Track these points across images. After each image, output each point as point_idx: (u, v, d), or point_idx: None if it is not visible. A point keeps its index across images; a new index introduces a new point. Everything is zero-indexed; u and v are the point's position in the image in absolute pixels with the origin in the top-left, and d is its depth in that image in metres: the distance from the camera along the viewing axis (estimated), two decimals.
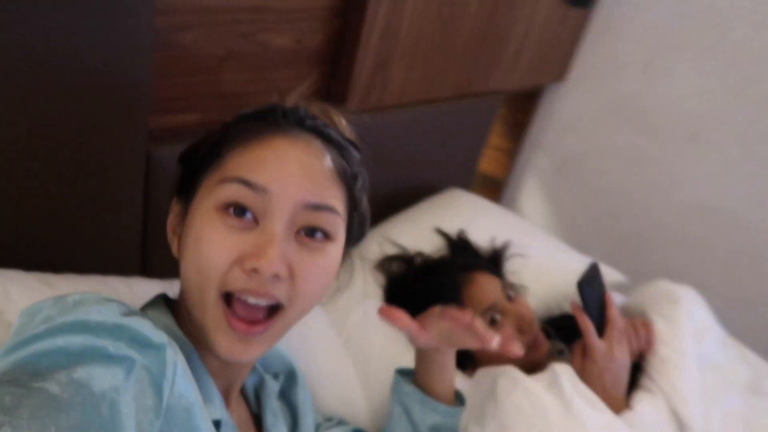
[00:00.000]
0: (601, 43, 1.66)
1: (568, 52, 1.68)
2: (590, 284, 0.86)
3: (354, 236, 0.63)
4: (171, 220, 0.63)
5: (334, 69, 1.07)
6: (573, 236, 1.59)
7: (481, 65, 1.36)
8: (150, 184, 0.85)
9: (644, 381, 0.88)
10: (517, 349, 0.66)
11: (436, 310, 0.71)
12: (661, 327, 0.91)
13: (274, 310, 0.55)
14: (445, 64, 1.26)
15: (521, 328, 0.92)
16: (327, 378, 0.84)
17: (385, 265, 1.05)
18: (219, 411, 0.55)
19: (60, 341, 0.44)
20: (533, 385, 0.75)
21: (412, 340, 0.72)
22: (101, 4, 0.68)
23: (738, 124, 1.50)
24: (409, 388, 0.74)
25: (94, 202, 0.80)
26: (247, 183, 0.53)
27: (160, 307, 0.61)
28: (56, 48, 0.68)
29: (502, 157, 1.87)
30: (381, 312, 0.71)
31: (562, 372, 0.76)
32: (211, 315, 0.53)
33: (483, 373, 0.83)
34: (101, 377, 0.42)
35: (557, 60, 1.66)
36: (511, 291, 0.97)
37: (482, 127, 1.50)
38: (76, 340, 0.44)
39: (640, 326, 0.91)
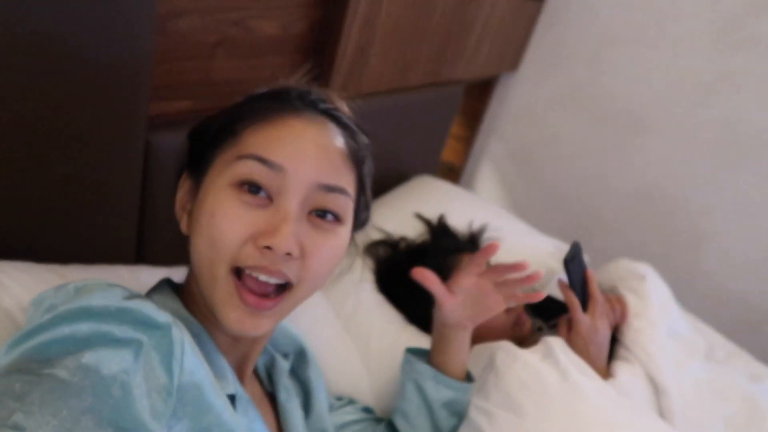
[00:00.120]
0: (551, 35, 1.73)
1: (521, 43, 1.75)
2: (573, 262, 0.92)
3: (359, 221, 0.65)
4: (180, 195, 0.63)
5: (316, 56, 1.08)
6: (527, 220, 1.67)
7: (448, 54, 1.40)
8: (148, 171, 0.83)
9: (621, 351, 0.95)
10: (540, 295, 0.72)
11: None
12: (632, 301, 0.99)
13: (283, 287, 0.55)
14: (417, 53, 1.29)
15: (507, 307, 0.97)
16: (330, 358, 0.86)
17: (371, 250, 1.07)
18: (232, 386, 0.56)
19: (66, 329, 0.44)
20: (530, 357, 0.80)
21: (440, 304, 0.75)
22: None
23: (678, 112, 1.61)
24: (422, 366, 0.78)
25: (92, 188, 0.78)
26: (263, 160, 0.53)
27: (165, 290, 0.62)
28: (57, 32, 0.66)
29: (458, 144, 1.93)
30: (414, 273, 0.73)
31: (556, 344, 0.82)
32: (222, 289, 0.53)
33: (480, 349, 0.87)
34: (110, 360, 0.43)
35: (511, 50, 1.73)
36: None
37: (447, 115, 1.54)
38: (82, 327, 0.44)
39: (615, 301, 0.99)
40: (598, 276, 1.15)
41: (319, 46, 1.07)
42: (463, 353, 0.77)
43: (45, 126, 0.69)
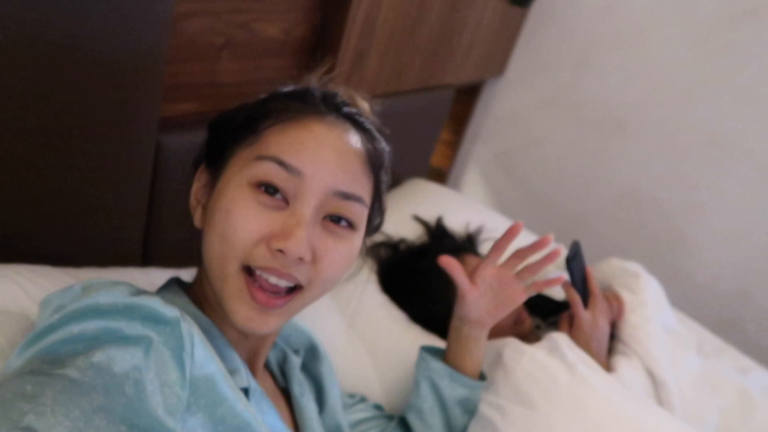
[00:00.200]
0: (536, 41, 1.78)
1: (507, 48, 1.79)
2: (575, 261, 0.94)
3: (372, 226, 0.65)
4: (195, 188, 0.63)
5: (316, 60, 1.09)
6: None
7: (440, 59, 1.42)
8: (157, 172, 0.83)
9: (618, 346, 0.98)
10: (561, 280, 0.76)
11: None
12: (627, 298, 1.02)
13: (292, 288, 0.56)
14: (412, 58, 1.31)
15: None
16: (338, 357, 0.87)
17: (373, 251, 1.08)
18: (245, 379, 0.56)
19: (75, 328, 0.44)
20: (537, 352, 0.82)
21: (462, 296, 0.76)
22: None
23: (659, 117, 1.66)
24: (437, 365, 0.79)
25: (102, 189, 0.77)
26: (283, 164, 0.53)
27: (174, 288, 0.62)
28: (73, 32, 0.65)
29: (444, 148, 1.95)
30: (441, 261, 0.75)
31: (561, 340, 0.84)
32: (232, 285, 0.53)
33: (486, 346, 0.89)
34: (121, 358, 0.43)
35: (497, 56, 1.76)
36: None
37: (437, 119, 1.56)
38: (91, 326, 0.44)
39: (612, 298, 1.02)
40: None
41: (319, 50, 1.08)
42: (479, 352, 0.79)
43: (57, 126, 0.69)
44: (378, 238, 1.12)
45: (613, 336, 1.00)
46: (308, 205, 0.53)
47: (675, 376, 0.93)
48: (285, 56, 1.03)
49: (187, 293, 0.61)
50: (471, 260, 1.03)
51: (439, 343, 0.95)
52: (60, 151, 0.71)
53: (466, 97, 1.88)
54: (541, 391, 0.76)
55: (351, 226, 0.57)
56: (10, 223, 0.71)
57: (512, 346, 0.84)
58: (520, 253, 0.76)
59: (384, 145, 0.63)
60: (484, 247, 1.17)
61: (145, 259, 0.87)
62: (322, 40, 1.07)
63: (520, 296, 0.75)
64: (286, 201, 0.54)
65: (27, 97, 0.65)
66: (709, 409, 0.94)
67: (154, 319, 0.46)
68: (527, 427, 0.73)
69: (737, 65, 1.54)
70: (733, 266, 1.69)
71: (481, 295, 0.75)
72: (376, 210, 0.64)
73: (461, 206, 1.31)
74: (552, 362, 0.80)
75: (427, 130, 1.55)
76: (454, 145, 1.94)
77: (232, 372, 0.54)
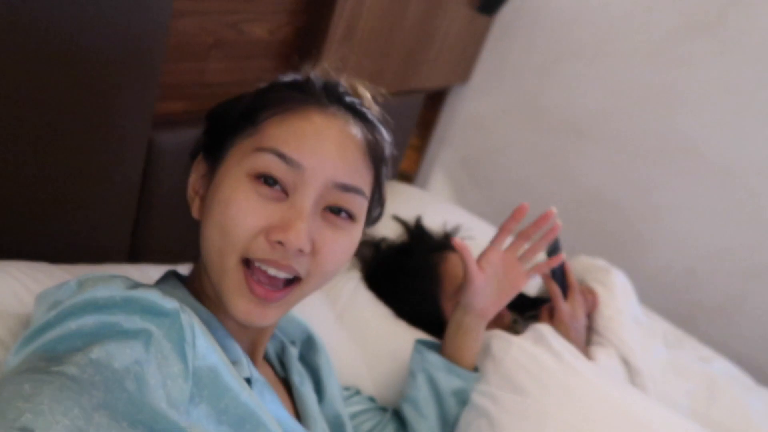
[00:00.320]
0: (501, 49, 1.83)
1: (473, 56, 1.84)
2: (554, 255, 0.99)
3: (372, 217, 0.65)
4: (193, 179, 0.62)
5: (300, 62, 1.10)
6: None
7: (412, 65, 1.46)
8: (148, 170, 0.83)
9: (594, 337, 1.03)
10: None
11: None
12: (600, 292, 1.07)
13: (291, 280, 0.55)
14: (388, 62, 1.34)
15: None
16: (330, 352, 0.88)
17: (357, 250, 1.10)
18: (247, 369, 0.55)
19: (72, 324, 0.44)
20: (524, 342, 0.86)
21: (470, 281, 0.78)
22: None
23: (617, 123, 1.74)
24: (434, 357, 0.81)
25: (94, 185, 0.76)
26: (282, 156, 0.53)
27: (172, 281, 0.61)
28: (69, 24, 0.65)
29: (411, 152, 1.99)
30: (455, 243, 0.77)
31: (545, 330, 0.88)
32: (231, 278, 0.53)
33: None
34: (121, 353, 0.43)
35: (464, 63, 1.81)
36: None
37: (407, 123, 1.60)
38: (89, 321, 0.44)
39: (586, 292, 1.07)
40: None
41: (302, 52, 1.10)
42: (476, 345, 0.81)
43: (52, 120, 0.68)
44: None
45: (589, 328, 1.05)
46: (308, 198, 0.53)
47: (647, 364, 0.99)
48: (269, 58, 1.05)
49: (185, 286, 0.61)
50: (453, 257, 1.06)
51: (425, 337, 0.97)
52: (53, 145, 0.70)
53: (433, 103, 1.92)
54: (531, 378, 0.80)
55: (351, 217, 0.56)
56: None
57: (499, 337, 0.87)
58: (525, 233, 0.79)
59: (385, 136, 0.62)
60: None
61: (132, 255, 0.87)
62: (305, 43, 1.09)
63: (522, 281, 0.79)
64: (285, 192, 0.54)
65: (21, 92, 0.64)
66: (678, 394, 1.00)
67: (153, 312, 0.46)
68: (520, 413, 0.77)
69: (689, 75, 1.63)
70: (686, 265, 1.78)
71: (487, 282, 0.78)
72: (376, 201, 0.63)
73: (437, 207, 1.34)
74: (539, 351, 0.84)
75: (397, 135, 1.57)
76: (421, 150, 1.98)
77: (234, 363, 0.54)
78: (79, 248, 0.78)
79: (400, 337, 0.96)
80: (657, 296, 1.77)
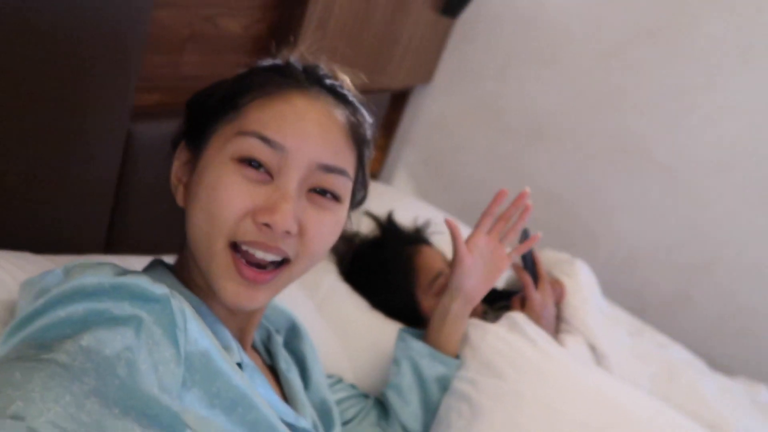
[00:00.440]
0: (462, 51, 1.88)
1: (435, 56, 1.87)
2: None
3: (356, 199, 0.66)
4: (176, 167, 0.62)
5: (277, 50, 1.11)
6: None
7: (380, 64, 1.48)
8: (126, 161, 0.82)
9: (562, 325, 1.07)
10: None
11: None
12: (567, 282, 1.12)
13: (279, 263, 0.56)
14: (356, 60, 1.35)
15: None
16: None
17: None
18: (237, 355, 0.56)
19: (61, 312, 0.44)
20: (500, 329, 0.88)
21: (459, 261, 0.81)
22: None
23: (573, 124, 1.81)
24: (418, 344, 0.83)
25: (72, 175, 0.75)
26: (265, 139, 0.53)
27: (159, 268, 0.61)
28: (49, 12, 0.64)
29: (375, 152, 2.00)
30: (447, 222, 0.82)
31: (519, 318, 0.91)
32: (219, 262, 0.53)
33: None
34: (111, 340, 0.43)
35: (426, 64, 1.85)
36: (449, 260, 1.10)
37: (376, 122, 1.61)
38: (78, 308, 0.44)
39: (554, 283, 1.11)
40: None
41: (274, 49, 1.10)
42: (459, 333, 0.84)
43: (30, 110, 0.67)
44: None
45: (557, 317, 1.09)
46: (292, 179, 0.53)
47: (612, 349, 1.04)
48: (243, 53, 1.05)
49: (172, 274, 0.60)
50: (426, 250, 1.08)
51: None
52: (31, 136, 0.69)
53: (396, 103, 1.95)
54: (508, 363, 0.83)
55: (336, 198, 0.57)
56: None
57: (475, 325, 0.90)
58: (505, 215, 0.82)
59: (367, 117, 0.63)
60: (433, 240, 1.23)
61: (108, 247, 0.85)
62: (277, 38, 1.09)
63: (505, 263, 0.82)
64: (270, 175, 0.54)
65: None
66: (641, 377, 1.05)
67: (142, 298, 0.46)
68: (498, 396, 0.79)
69: (639, 79, 1.71)
70: (634, 259, 1.85)
71: (475, 263, 0.81)
72: (360, 183, 0.64)
73: (407, 204, 1.37)
74: (514, 337, 0.87)
75: None
76: (384, 149, 2.00)
77: (225, 348, 0.54)
78: (56, 240, 0.76)
79: (379, 328, 0.98)
80: (607, 290, 1.84)
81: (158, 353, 0.44)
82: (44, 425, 0.37)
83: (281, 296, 0.73)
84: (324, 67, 0.63)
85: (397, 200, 1.38)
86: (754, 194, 1.65)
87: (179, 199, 0.61)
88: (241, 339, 0.63)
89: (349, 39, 1.27)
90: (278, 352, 0.71)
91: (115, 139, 0.78)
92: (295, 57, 0.64)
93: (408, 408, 0.83)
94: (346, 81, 0.65)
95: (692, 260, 1.77)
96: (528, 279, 1.01)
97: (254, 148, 0.53)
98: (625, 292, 1.87)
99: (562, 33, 1.76)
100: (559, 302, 1.09)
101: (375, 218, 1.23)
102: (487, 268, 0.82)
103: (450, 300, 0.83)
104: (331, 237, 0.58)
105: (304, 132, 0.54)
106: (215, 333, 0.55)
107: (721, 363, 1.51)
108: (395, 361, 0.85)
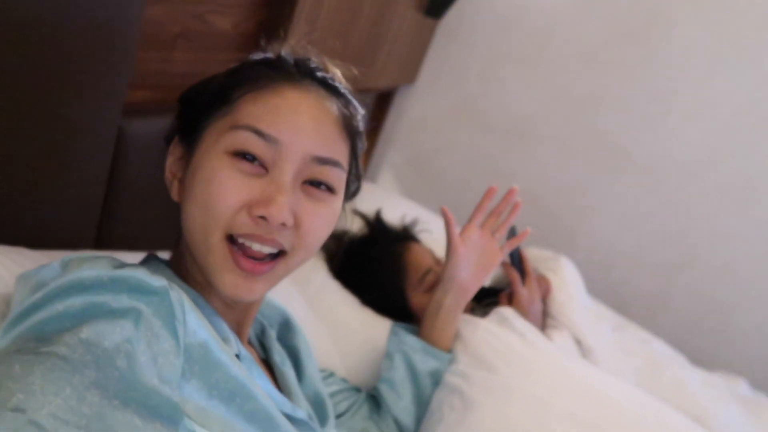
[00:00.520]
0: (446, 51, 1.89)
1: (419, 57, 1.89)
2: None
3: (350, 191, 0.66)
4: (170, 163, 0.62)
5: (267, 45, 1.11)
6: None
7: (366, 63, 1.49)
8: (117, 158, 0.81)
9: (548, 321, 1.09)
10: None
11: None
12: (553, 279, 1.13)
13: (276, 255, 0.56)
14: (344, 60, 1.36)
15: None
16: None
17: None
18: (235, 347, 0.56)
19: (59, 306, 0.44)
20: (490, 324, 0.90)
21: (453, 250, 0.82)
22: None
23: (554, 124, 1.84)
24: (411, 339, 0.84)
25: (62, 171, 0.74)
26: (258, 132, 0.53)
27: (154, 262, 0.61)
28: (41, 4, 0.63)
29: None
30: (443, 211, 0.83)
31: (508, 313, 0.93)
32: (216, 255, 0.53)
33: None
34: (110, 332, 0.43)
35: (411, 64, 1.86)
36: (438, 257, 1.11)
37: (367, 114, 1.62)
38: (76, 302, 0.44)
39: (540, 279, 1.13)
40: None
41: (264, 44, 1.10)
42: (452, 328, 0.85)
43: (23, 106, 0.66)
44: None
45: (543, 312, 1.11)
46: (287, 172, 0.54)
47: (597, 344, 1.06)
48: (231, 50, 1.04)
49: (168, 268, 0.61)
50: (416, 247, 1.09)
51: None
52: (23, 132, 0.68)
53: (380, 104, 1.96)
54: (499, 356, 0.84)
55: (330, 190, 0.57)
56: None
57: (466, 320, 0.91)
58: (496, 210, 0.84)
59: (359, 110, 0.64)
60: (421, 238, 1.24)
61: (98, 244, 0.85)
62: (267, 36, 1.09)
63: (498, 256, 0.83)
64: (264, 168, 0.54)
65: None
66: (625, 370, 1.07)
67: (140, 291, 0.46)
68: (489, 388, 0.81)
69: (616, 80, 1.74)
70: (614, 258, 1.88)
71: (468, 254, 0.82)
72: (353, 175, 0.64)
73: (394, 202, 1.38)
74: (504, 332, 0.88)
75: None
76: (368, 150, 2.00)
77: (222, 340, 0.54)
78: (45, 236, 0.75)
79: (370, 324, 0.99)
80: (587, 289, 1.87)
81: (157, 345, 0.45)
82: (45, 418, 0.37)
83: (273, 293, 0.73)
84: (315, 60, 0.63)
85: (384, 199, 1.39)
86: (730, 194, 1.69)
87: (174, 194, 0.61)
88: (237, 332, 0.63)
89: (336, 38, 1.28)
90: (272, 346, 0.72)
91: (106, 135, 0.77)
92: (285, 50, 0.64)
93: (401, 402, 0.84)
94: (337, 74, 0.66)
95: (670, 259, 1.80)
96: (515, 275, 1.02)
97: (248, 141, 0.54)
98: (604, 290, 1.89)
99: (542, 35, 1.79)
100: (545, 298, 1.11)
101: (363, 216, 1.23)
102: (480, 261, 0.84)
103: (443, 293, 0.84)
104: (326, 228, 0.59)
105: (298, 125, 0.55)
106: (213, 325, 0.55)
107: (699, 359, 1.54)
108: (388, 356, 0.86)
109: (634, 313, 1.85)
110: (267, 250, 0.55)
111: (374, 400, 0.87)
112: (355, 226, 1.21)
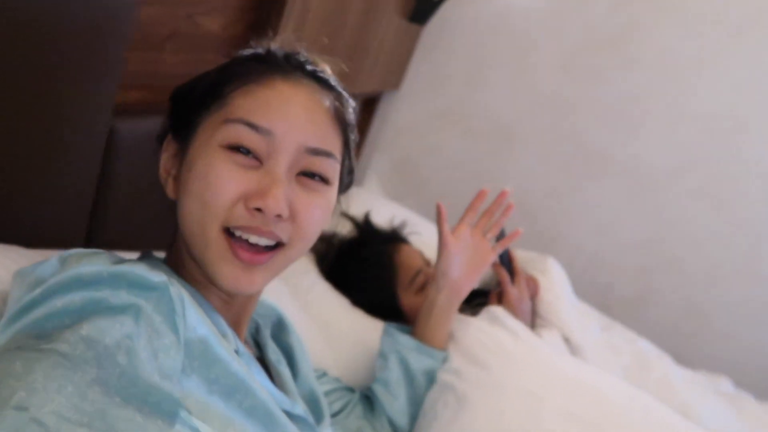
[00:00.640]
0: (429, 57, 1.91)
1: (404, 63, 1.90)
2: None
3: (344, 184, 0.66)
4: (164, 160, 0.62)
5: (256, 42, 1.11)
6: None
7: (351, 70, 1.49)
8: (107, 157, 0.81)
9: (537, 320, 1.10)
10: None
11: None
12: (541, 279, 1.15)
13: (273, 246, 0.56)
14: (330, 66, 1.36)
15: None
16: None
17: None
18: (234, 343, 0.56)
19: (59, 302, 0.44)
20: (482, 322, 0.91)
21: (444, 246, 0.83)
22: None
23: (540, 129, 1.86)
24: (405, 339, 0.84)
25: (53, 172, 0.74)
26: (251, 125, 0.54)
27: (151, 259, 0.61)
28: (34, 3, 0.63)
29: None
30: (438, 206, 0.85)
31: (498, 312, 0.94)
32: (215, 248, 0.54)
33: None
34: (110, 328, 0.43)
35: (396, 69, 1.87)
36: (428, 259, 1.12)
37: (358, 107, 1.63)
38: (75, 298, 0.44)
39: (528, 280, 1.14)
40: None
41: (253, 42, 1.10)
42: (445, 327, 0.86)
43: (14, 106, 0.66)
44: None
45: (532, 312, 1.12)
46: (281, 163, 0.54)
47: (586, 342, 1.07)
48: (220, 52, 1.04)
49: (165, 264, 0.61)
50: (406, 248, 1.10)
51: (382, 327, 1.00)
52: (13, 132, 0.67)
53: (365, 109, 1.97)
54: (491, 353, 0.85)
55: (325, 181, 0.58)
56: None
57: (458, 320, 0.92)
58: (488, 212, 0.85)
59: (350, 102, 0.64)
60: (411, 240, 1.25)
61: (89, 244, 0.84)
62: (255, 39, 1.10)
63: (490, 255, 0.84)
64: (259, 160, 0.55)
65: None
66: (614, 368, 1.09)
67: (140, 286, 0.46)
68: (483, 385, 0.81)
69: (598, 85, 1.77)
70: (598, 263, 1.91)
71: (460, 251, 0.83)
72: (346, 168, 0.64)
73: (380, 206, 1.38)
74: (495, 329, 0.89)
75: None
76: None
77: (221, 335, 0.54)
78: (36, 235, 0.75)
79: (361, 324, 0.99)
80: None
81: (158, 340, 0.45)
82: (48, 416, 0.37)
83: (265, 293, 0.73)
84: (304, 54, 0.64)
85: (372, 202, 1.40)
86: (708, 197, 1.73)
87: (169, 192, 0.61)
88: (235, 329, 0.63)
89: (323, 44, 1.28)
90: (267, 345, 0.72)
91: (97, 135, 0.77)
92: (275, 45, 0.65)
93: (396, 402, 0.84)
94: (326, 68, 0.66)
95: (649, 262, 1.83)
96: (505, 274, 1.03)
97: (242, 134, 0.54)
98: (585, 294, 1.92)
99: (524, 42, 1.81)
100: (533, 298, 1.12)
101: (352, 219, 1.24)
102: (472, 261, 0.85)
103: (436, 291, 0.85)
104: (322, 219, 0.59)
105: (290, 116, 0.55)
106: (212, 321, 0.55)
107: (680, 361, 1.57)
108: (382, 356, 0.86)
109: (615, 316, 1.88)
110: (264, 242, 0.55)
111: (367, 401, 0.87)
112: (345, 229, 1.22)
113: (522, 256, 1.25)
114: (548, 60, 1.80)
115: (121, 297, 0.45)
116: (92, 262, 0.46)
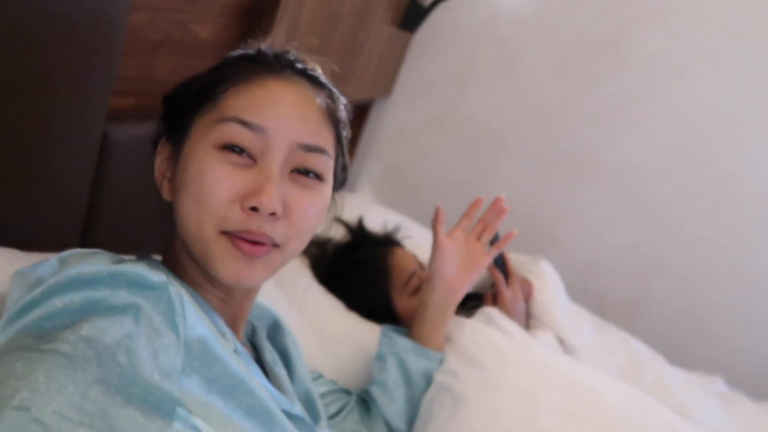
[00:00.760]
0: (420, 64, 1.92)
1: (394, 70, 1.91)
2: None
3: (338, 181, 0.66)
4: (159, 162, 0.63)
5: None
6: None
7: (342, 76, 1.50)
8: (101, 163, 0.81)
9: (531, 321, 1.10)
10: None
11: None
12: (535, 281, 1.15)
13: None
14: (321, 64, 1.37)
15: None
16: None
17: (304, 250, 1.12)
18: (232, 342, 0.56)
19: (58, 302, 0.44)
20: (477, 323, 0.91)
21: (438, 245, 0.84)
22: None
23: (530, 134, 1.87)
24: (403, 341, 0.85)
25: (47, 177, 0.74)
26: (244, 123, 0.54)
27: (148, 259, 0.61)
28: (28, 6, 0.63)
29: None
30: (437, 208, 0.86)
31: (493, 313, 0.94)
32: (215, 244, 0.54)
33: None
34: (110, 328, 0.43)
35: (387, 76, 1.88)
36: (421, 262, 1.12)
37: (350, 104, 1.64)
38: (75, 298, 0.44)
39: (522, 281, 1.14)
40: None
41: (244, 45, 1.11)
42: (442, 328, 0.86)
43: (8, 110, 0.66)
44: None
45: (526, 313, 1.12)
46: (275, 161, 0.55)
47: (579, 342, 1.07)
48: (211, 59, 1.04)
49: (163, 265, 0.61)
50: (400, 251, 1.10)
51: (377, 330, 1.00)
52: (6, 137, 0.67)
53: (356, 116, 1.97)
54: (487, 353, 0.85)
55: (318, 177, 0.58)
56: None
57: (453, 321, 0.92)
58: (484, 218, 0.85)
59: (341, 99, 0.65)
60: (404, 244, 1.25)
61: (84, 243, 0.84)
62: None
63: (484, 258, 0.85)
64: (252, 159, 0.55)
65: None
66: (608, 368, 1.09)
67: (139, 286, 0.46)
68: (479, 384, 0.82)
69: (587, 90, 1.79)
70: (593, 266, 1.92)
71: (453, 252, 0.83)
72: (339, 165, 0.65)
73: (372, 211, 1.39)
74: (490, 330, 0.89)
75: None
76: None
77: (220, 335, 0.54)
78: (30, 240, 0.74)
79: (356, 327, 0.99)
80: (567, 294, 1.90)
81: (158, 340, 0.45)
82: (49, 416, 0.37)
83: (260, 297, 0.73)
84: (294, 53, 0.65)
85: (364, 208, 1.40)
86: (701, 198, 1.74)
87: (165, 194, 0.62)
88: (233, 329, 0.63)
89: (314, 51, 1.29)
90: (263, 346, 0.72)
91: (90, 140, 0.77)
92: (266, 44, 0.65)
93: (393, 404, 0.84)
94: (317, 67, 0.67)
95: (646, 263, 1.84)
96: (500, 276, 1.04)
97: (235, 133, 0.55)
98: (578, 297, 1.93)
99: (513, 47, 1.83)
100: (527, 300, 1.13)
101: (345, 224, 1.24)
102: (467, 264, 0.86)
103: (430, 292, 0.85)
104: (317, 216, 0.59)
105: (282, 113, 0.56)
106: (210, 320, 0.55)
107: (675, 361, 1.57)
108: (380, 358, 0.86)
109: (609, 318, 1.88)
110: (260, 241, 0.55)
111: (364, 404, 0.87)
112: (338, 234, 1.22)
113: (515, 259, 1.25)
114: (537, 66, 1.81)
115: (121, 297, 0.45)
116: (92, 262, 0.46)
